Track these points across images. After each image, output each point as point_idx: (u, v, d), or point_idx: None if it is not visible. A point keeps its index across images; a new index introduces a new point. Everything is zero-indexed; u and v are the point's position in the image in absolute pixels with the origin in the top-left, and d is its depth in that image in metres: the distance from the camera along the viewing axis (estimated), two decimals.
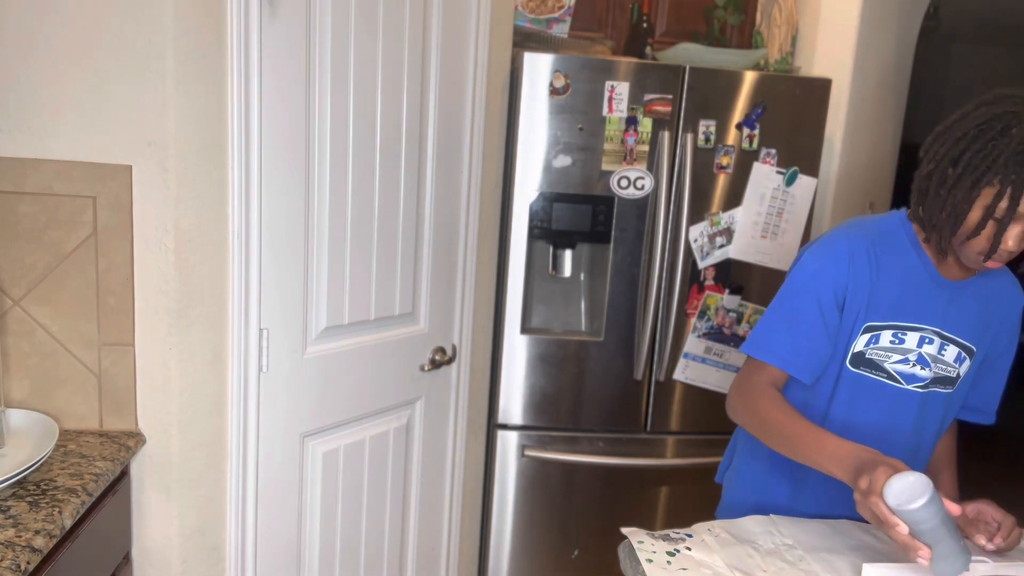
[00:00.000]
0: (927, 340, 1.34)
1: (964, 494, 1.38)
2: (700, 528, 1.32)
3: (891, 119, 2.98)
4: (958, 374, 1.38)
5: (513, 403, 2.36)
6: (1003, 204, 1.17)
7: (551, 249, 2.39)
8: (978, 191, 1.19)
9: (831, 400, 1.38)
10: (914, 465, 1.38)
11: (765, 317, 1.38)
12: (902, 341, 1.34)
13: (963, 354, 1.37)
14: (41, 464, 1.34)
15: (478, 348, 2.29)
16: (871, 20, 2.63)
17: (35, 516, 1.21)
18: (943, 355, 1.36)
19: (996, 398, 1.48)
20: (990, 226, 1.19)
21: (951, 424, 1.53)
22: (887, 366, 1.35)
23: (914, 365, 1.35)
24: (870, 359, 1.35)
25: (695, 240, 2.32)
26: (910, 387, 1.36)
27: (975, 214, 1.20)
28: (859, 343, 1.34)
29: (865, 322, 1.33)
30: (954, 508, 1.10)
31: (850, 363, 1.35)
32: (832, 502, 1.40)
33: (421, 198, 1.98)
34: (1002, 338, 1.43)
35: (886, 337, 1.34)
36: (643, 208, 2.29)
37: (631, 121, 2.23)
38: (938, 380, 1.37)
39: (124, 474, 1.51)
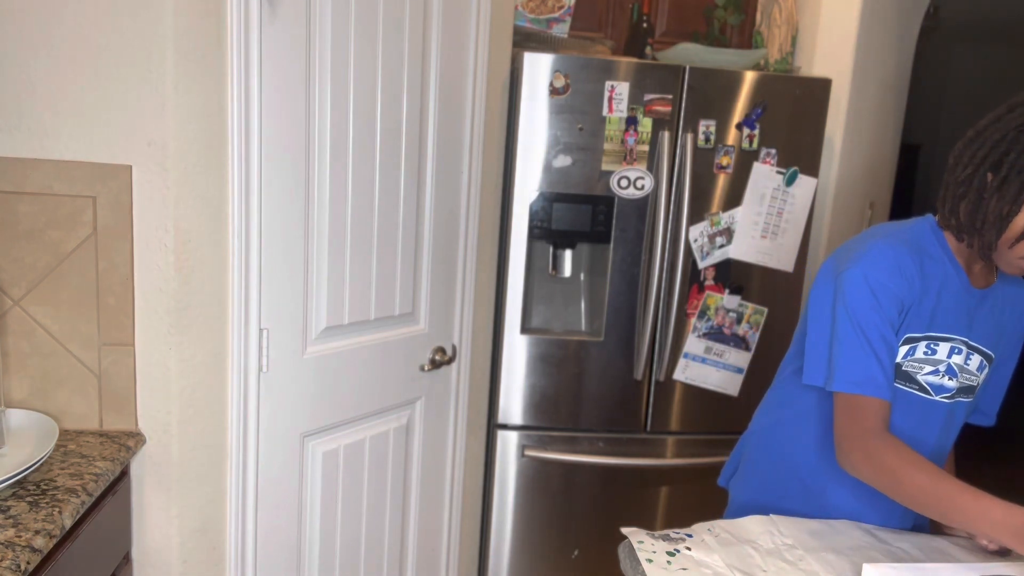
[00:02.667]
0: (956, 350, 1.32)
1: None
2: (700, 528, 1.32)
3: (891, 119, 2.98)
4: (979, 382, 1.37)
5: (513, 403, 2.36)
6: None
7: (551, 249, 2.39)
8: (1012, 186, 1.16)
9: None
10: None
11: (842, 347, 1.28)
12: (934, 352, 1.31)
13: (984, 362, 1.36)
14: (41, 464, 1.34)
15: (478, 348, 2.29)
16: (871, 20, 2.63)
17: (35, 516, 1.21)
18: (968, 365, 1.34)
19: (998, 400, 1.48)
20: None
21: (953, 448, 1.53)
22: (919, 378, 1.32)
23: (943, 376, 1.33)
24: (905, 371, 1.32)
25: (695, 240, 2.32)
26: (938, 398, 1.34)
27: (1021, 220, 1.17)
28: (897, 355, 1.30)
29: (905, 334, 1.29)
30: None
31: None
32: (851, 515, 1.39)
33: (421, 198, 1.98)
34: (1010, 343, 1.42)
35: (921, 348, 1.31)
36: (643, 208, 2.29)
37: (631, 121, 2.23)
38: (963, 390, 1.36)
39: (124, 474, 1.51)
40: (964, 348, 1.33)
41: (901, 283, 1.26)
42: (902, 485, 1.20)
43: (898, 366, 1.31)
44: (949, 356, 1.32)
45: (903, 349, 1.30)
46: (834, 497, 1.40)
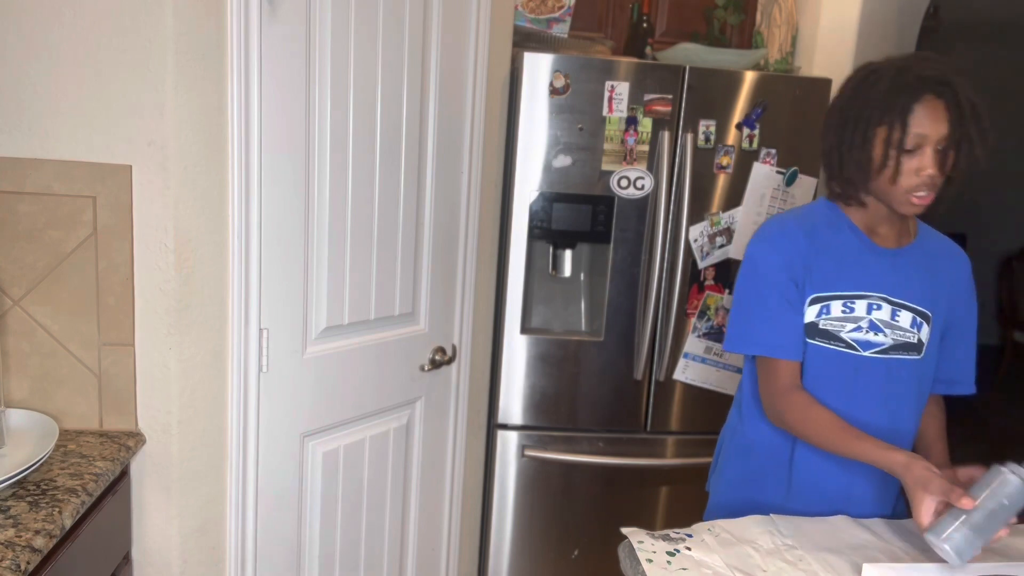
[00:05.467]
0: (875, 307, 1.39)
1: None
2: (700, 528, 1.32)
3: None
4: (919, 339, 1.41)
5: (513, 403, 2.36)
6: (896, 135, 1.28)
7: (551, 249, 2.39)
8: (871, 133, 1.31)
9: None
10: (894, 439, 1.38)
11: (735, 315, 1.47)
12: (852, 310, 1.39)
13: (919, 319, 1.41)
14: (41, 464, 1.34)
15: (478, 348, 2.29)
16: (871, 20, 2.63)
17: (35, 516, 1.21)
18: (897, 321, 1.40)
19: (970, 367, 1.51)
20: (893, 157, 1.29)
21: (939, 402, 1.54)
22: (843, 335, 1.40)
23: (867, 332, 1.40)
24: (824, 329, 1.40)
25: (695, 240, 2.32)
26: (868, 353, 1.40)
27: (877, 152, 1.31)
28: (809, 314, 1.40)
29: (810, 294, 1.40)
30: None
31: (805, 334, 1.41)
32: (822, 500, 1.43)
33: (421, 198, 1.98)
34: (959, 304, 1.47)
35: (836, 307, 1.39)
36: (643, 208, 2.29)
37: (631, 121, 2.23)
38: (900, 347, 1.40)
39: (124, 474, 1.51)
40: (885, 304, 1.39)
41: (786, 250, 1.40)
42: (811, 432, 1.36)
43: (814, 325, 1.40)
44: (869, 312, 1.39)
45: (815, 308, 1.40)
46: (801, 461, 1.45)
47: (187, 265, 1.49)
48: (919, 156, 1.28)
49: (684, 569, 1.19)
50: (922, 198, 1.31)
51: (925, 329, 1.41)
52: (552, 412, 2.38)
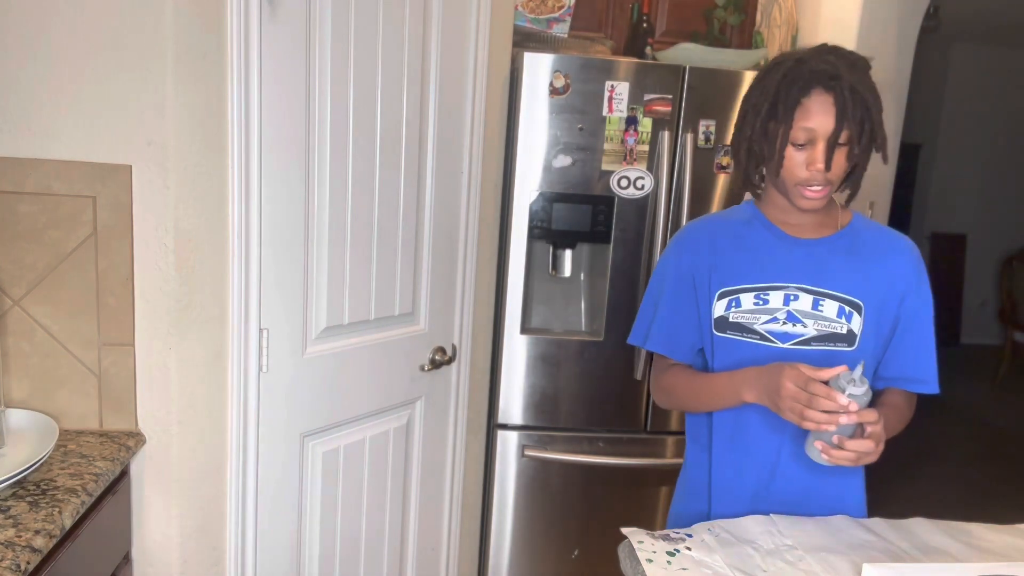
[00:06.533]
0: (793, 297, 1.36)
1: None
2: (700, 528, 1.32)
3: (891, 119, 2.97)
4: (849, 330, 1.35)
5: (513, 403, 2.36)
6: (784, 129, 1.28)
7: (551, 249, 2.39)
8: (765, 125, 1.31)
9: (712, 367, 1.43)
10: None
11: (639, 311, 1.51)
12: (766, 302, 1.37)
13: (847, 308, 1.35)
14: (41, 464, 1.34)
15: (478, 348, 2.29)
16: (871, 20, 2.63)
17: (35, 516, 1.21)
18: (821, 311, 1.35)
19: (931, 364, 1.39)
20: (782, 150, 1.29)
21: (909, 398, 1.43)
22: (757, 327, 1.37)
23: (785, 323, 1.36)
24: (736, 322, 1.38)
25: None
26: (786, 345, 1.36)
27: (769, 144, 1.31)
28: (718, 309, 1.40)
29: (718, 289, 1.39)
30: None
31: (715, 329, 1.40)
32: (738, 501, 1.43)
33: (421, 198, 1.98)
34: (905, 296, 1.38)
35: (748, 300, 1.37)
36: (643, 208, 2.29)
37: (631, 121, 2.23)
38: (826, 337, 1.35)
39: (124, 474, 1.51)
40: (804, 294, 1.36)
41: (687, 251, 1.44)
42: (673, 395, 1.47)
43: (724, 319, 1.39)
44: (786, 303, 1.36)
45: (724, 302, 1.40)
46: (717, 463, 1.45)
47: (187, 265, 1.49)
48: (809, 150, 1.27)
49: (684, 569, 1.19)
50: (815, 192, 1.29)
51: (856, 319, 1.35)
52: (552, 412, 2.38)
